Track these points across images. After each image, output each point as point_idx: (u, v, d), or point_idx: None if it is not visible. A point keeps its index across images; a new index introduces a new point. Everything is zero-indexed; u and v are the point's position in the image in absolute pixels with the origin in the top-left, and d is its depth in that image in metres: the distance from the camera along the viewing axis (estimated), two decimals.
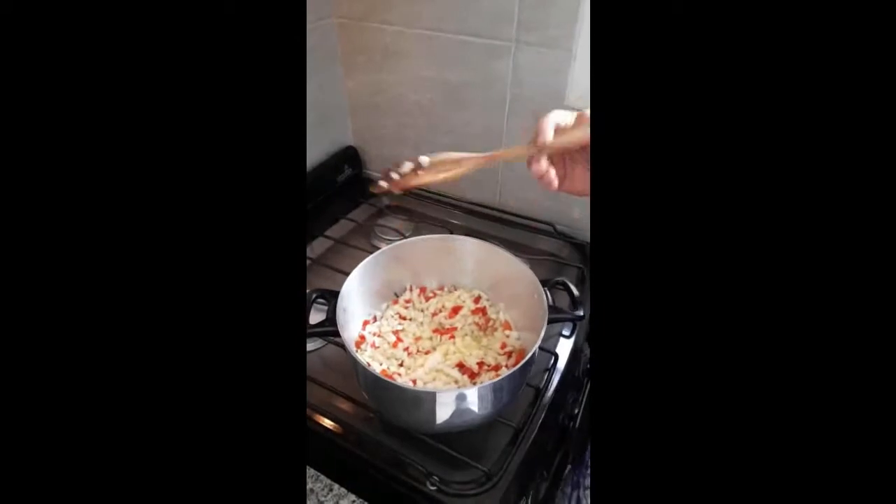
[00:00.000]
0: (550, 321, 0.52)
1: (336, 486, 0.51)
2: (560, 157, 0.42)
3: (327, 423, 0.57)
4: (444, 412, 0.49)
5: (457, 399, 0.49)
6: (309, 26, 0.81)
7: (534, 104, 0.78)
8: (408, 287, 0.68)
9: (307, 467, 0.53)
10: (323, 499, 0.49)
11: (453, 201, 0.94)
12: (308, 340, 0.67)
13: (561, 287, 0.59)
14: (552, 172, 0.41)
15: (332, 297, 0.56)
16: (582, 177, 0.42)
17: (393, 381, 0.51)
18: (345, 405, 0.59)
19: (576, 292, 0.58)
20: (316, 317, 0.57)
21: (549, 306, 0.54)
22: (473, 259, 0.65)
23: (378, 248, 0.62)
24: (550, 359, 0.63)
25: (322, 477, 0.52)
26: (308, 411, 0.57)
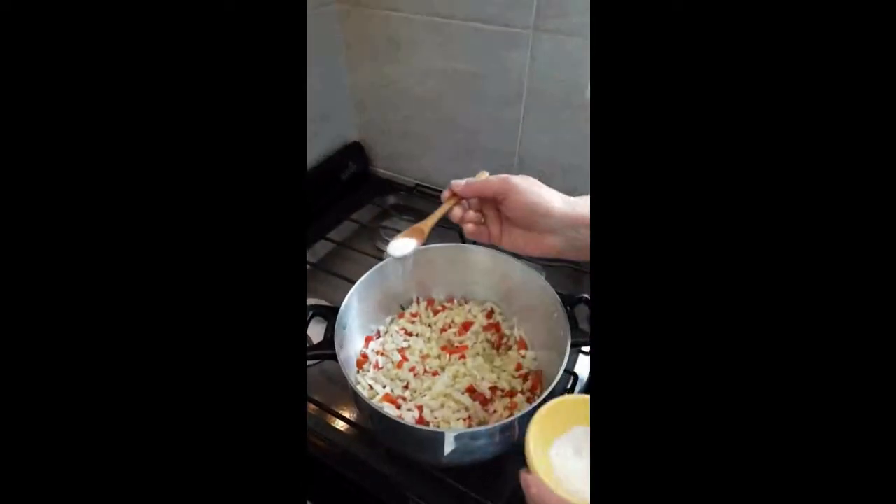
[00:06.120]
0: (574, 345, 0.47)
1: None
2: (497, 216, 0.48)
3: (323, 446, 0.52)
4: (452, 449, 0.44)
5: (467, 438, 0.44)
6: (309, 13, 0.74)
7: (553, 98, 0.71)
8: (414, 299, 0.63)
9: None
10: None
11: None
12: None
13: (585, 304, 0.53)
14: (470, 215, 0.48)
15: (331, 314, 0.50)
16: (522, 239, 0.46)
17: (397, 420, 0.46)
18: (345, 429, 0.55)
19: None
20: (316, 329, 0.52)
21: (573, 327, 0.48)
22: (485, 269, 0.60)
23: (383, 253, 0.56)
24: (569, 379, 0.58)
25: None
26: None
